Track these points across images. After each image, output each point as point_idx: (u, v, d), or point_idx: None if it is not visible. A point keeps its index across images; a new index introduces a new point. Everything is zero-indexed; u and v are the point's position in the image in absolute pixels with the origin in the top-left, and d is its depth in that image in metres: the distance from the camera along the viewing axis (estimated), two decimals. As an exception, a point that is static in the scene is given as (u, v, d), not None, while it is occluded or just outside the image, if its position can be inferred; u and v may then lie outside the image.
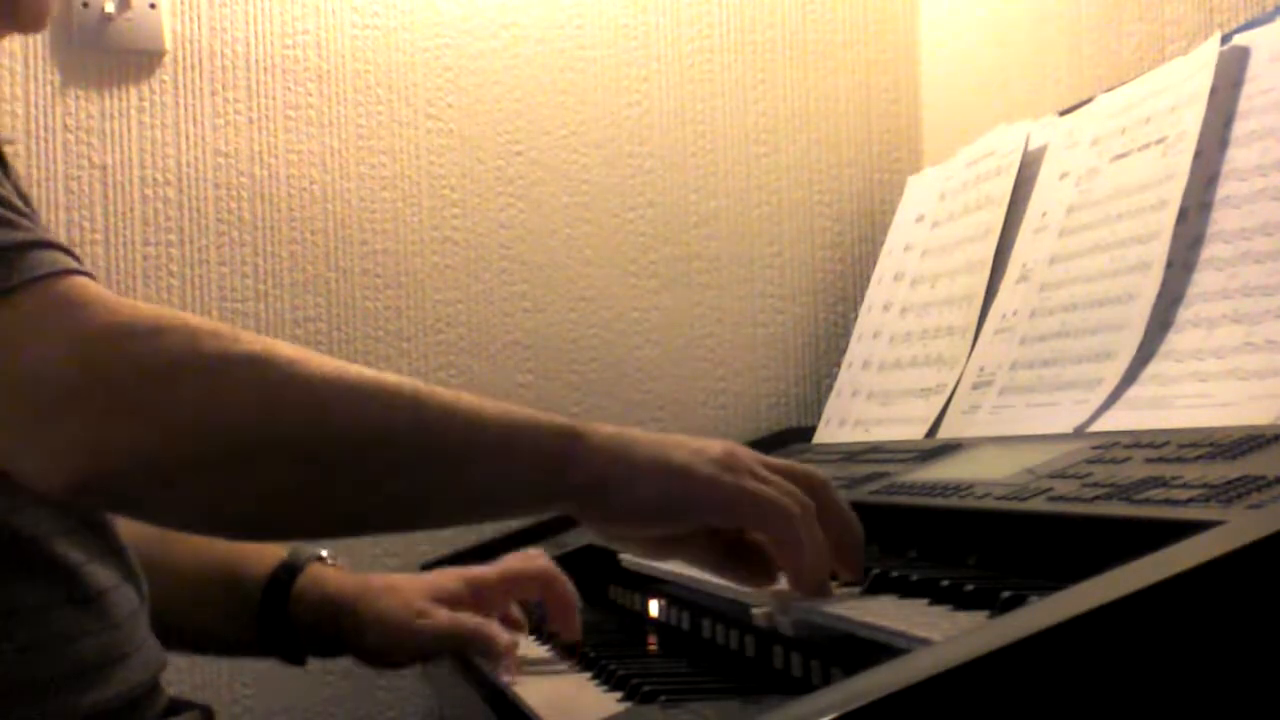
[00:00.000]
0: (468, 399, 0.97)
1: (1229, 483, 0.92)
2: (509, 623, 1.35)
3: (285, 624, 1.32)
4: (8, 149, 1.04)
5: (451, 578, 1.34)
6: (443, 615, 1.29)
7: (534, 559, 1.37)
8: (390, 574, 1.38)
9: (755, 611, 1.06)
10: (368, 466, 0.93)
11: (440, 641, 1.29)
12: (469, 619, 1.28)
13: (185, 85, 2.02)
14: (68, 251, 0.95)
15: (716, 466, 0.97)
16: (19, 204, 0.95)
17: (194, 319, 0.94)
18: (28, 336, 0.89)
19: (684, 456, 0.97)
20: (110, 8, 1.98)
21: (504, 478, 0.97)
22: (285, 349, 0.94)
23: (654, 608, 1.46)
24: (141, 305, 0.94)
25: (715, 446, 0.99)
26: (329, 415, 0.92)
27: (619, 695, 1.14)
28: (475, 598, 1.33)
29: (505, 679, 1.24)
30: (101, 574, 1.07)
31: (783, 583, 1.03)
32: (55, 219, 1.95)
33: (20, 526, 1.01)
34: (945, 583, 0.97)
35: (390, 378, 0.96)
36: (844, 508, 1.03)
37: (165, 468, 0.90)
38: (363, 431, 0.93)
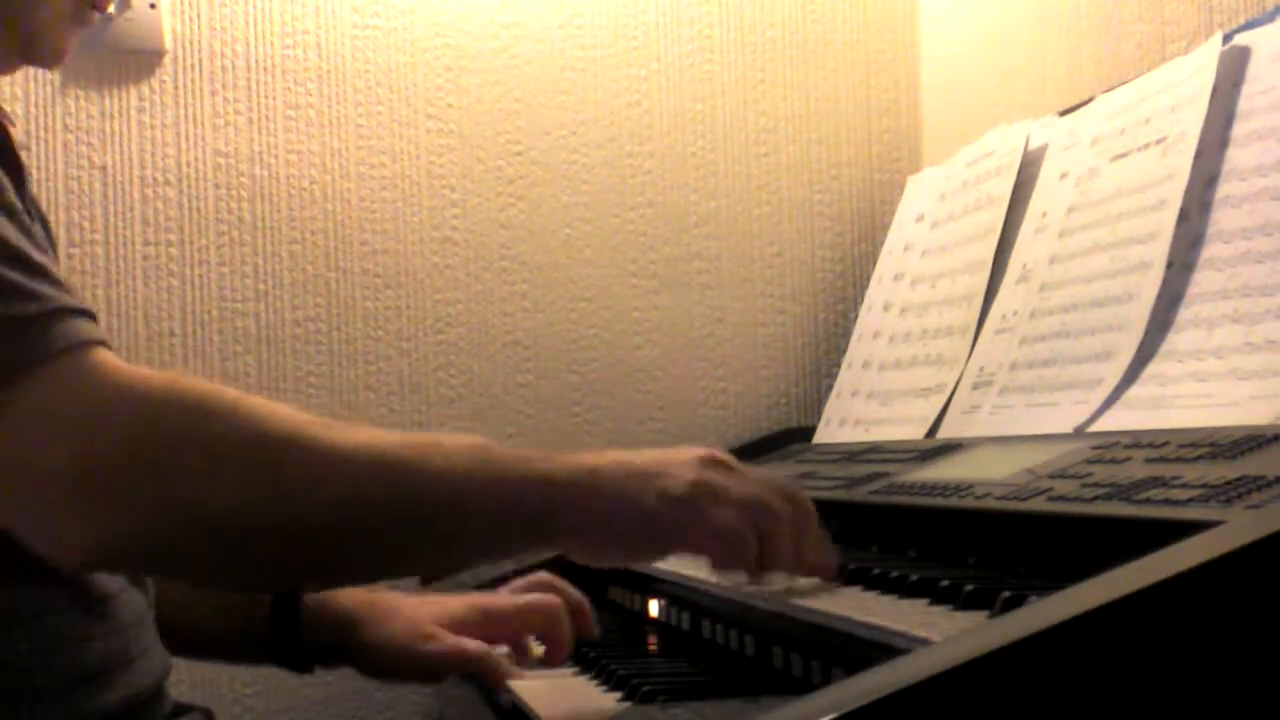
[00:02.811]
0: (457, 456, 0.99)
1: (1229, 483, 0.92)
2: (517, 650, 1.34)
3: (294, 635, 1.32)
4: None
5: (462, 604, 1.34)
6: (449, 641, 1.29)
7: (548, 591, 1.35)
8: (400, 594, 1.38)
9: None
10: (366, 538, 0.98)
11: (444, 666, 1.30)
12: (473, 646, 1.28)
13: (185, 85, 2.02)
14: (83, 312, 0.95)
15: (679, 505, 0.99)
16: (36, 256, 0.95)
17: (200, 393, 0.95)
18: (42, 420, 0.91)
19: (650, 496, 0.99)
20: (110, 8, 1.98)
21: (492, 536, 1.01)
22: (286, 427, 0.95)
23: (654, 608, 1.46)
24: (152, 382, 0.95)
25: (686, 472, 1.01)
26: (326, 496, 0.95)
27: (619, 695, 1.14)
28: (485, 625, 1.33)
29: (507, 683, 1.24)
30: (107, 579, 1.07)
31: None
32: (55, 219, 1.95)
33: None
34: (945, 583, 0.97)
35: (386, 445, 0.98)
36: (807, 534, 1.04)
37: (169, 548, 0.95)
38: (358, 508, 0.96)
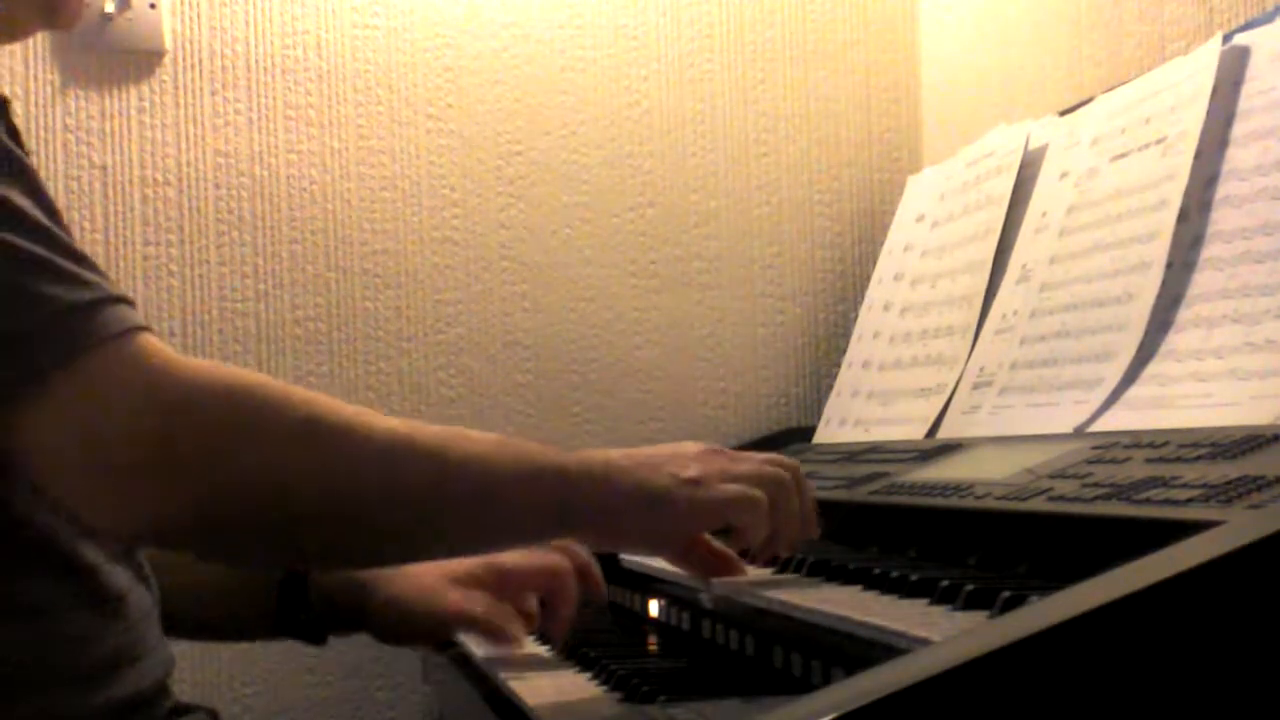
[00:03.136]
0: (482, 445, 1.04)
1: (1229, 483, 0.92)
2: (521, 613, 1.35)
3: (304, 604, 1.34)
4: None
5: (470, 560, 1.35)
6: (454, 596, 1.31)
7: (558, 554, 1.36)
8: None
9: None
10: (399, 521, 1.02)
11: (449, 625, 1.32)
12: (478, 606, 1.30)
13: (185, 85, 2.02)
14: (128, 301, 0.98)
15: (690, 484, 1.07)
16: (77, 246, 0.98)
17: (248, 380, 0.99)
18: (98, 400, 0.94)
19: (663, 482, 1.06)
20: (110, 8, 1.98)
21: (512, 523, 1.06)
22: (328, 412, 0.99)
23: (654, 608, 1.46)
24: (201, 368, 0.99)
25: (694, 458, 1.09)
26: (370, 481, 0.99)
27: (619, 695, 1.14)
28: (495, 582, 1.34)
29: (503, 675, 1.24)
30: (119, 575, 1.09)
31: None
32: (55, 219, 1.95)
33: (41, 527, 1.03)
34: (945, 583, 0.97)
35: (417, 432, 1.02)
36: (807, 496, 1.14)
37: (220, 528, 0.98)
38: (396, 492, 1.01)
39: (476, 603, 1.31)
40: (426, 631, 1.35)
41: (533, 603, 1.36)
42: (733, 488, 1.07)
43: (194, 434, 0.95)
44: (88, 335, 0.94)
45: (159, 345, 0.97)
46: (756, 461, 1.12)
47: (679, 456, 1.08)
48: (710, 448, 1.11)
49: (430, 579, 1.33)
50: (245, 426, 0.96)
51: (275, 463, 0.97)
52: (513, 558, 1.37)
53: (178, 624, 1.20)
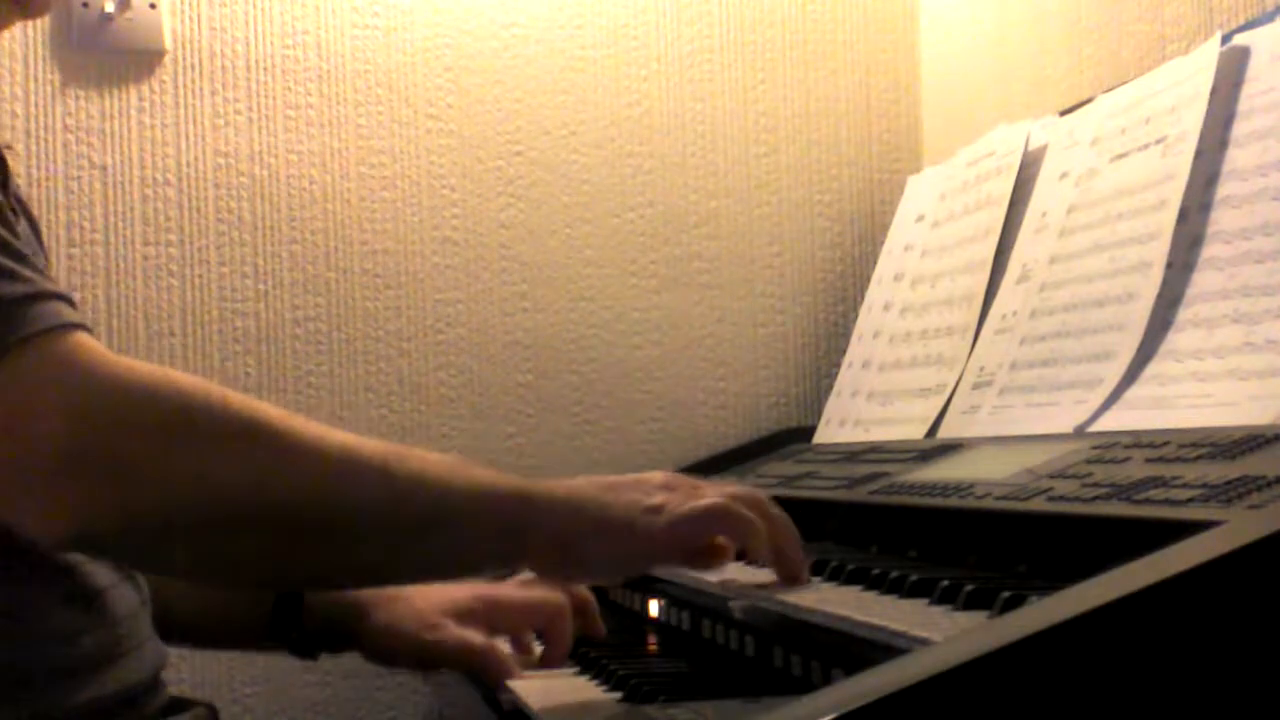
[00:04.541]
0: (434, 465, 1.01)
1: (1229, 483, 0.92)
2: (518, 645, 1.34)
3: (298, 622, 1.33)
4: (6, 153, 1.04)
5: (467, 594, 1.34)
6: (451, 632, 1.29)
7: (558, 591, 1.35)
8: None
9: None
10: (343, 536, 0.99)
11: (446, 658, 1.30)
12: (477, 640, 1.28)
13: (185, 85, 2.02)
14: (65, 299, 0.96)
15: (651, 514, 1.04)
16: (18, 244, 0.96)
17: (185, 381, 0.97)
18: (25, 397, 0.92)
19: (625, 511, 1.03)
20: (110, 8, 1.98)
21: (466, 546, 1.04)
22: (271, 418, 0.97)
23: (654, 608, 1.46)
24: (136, 366, 0.96)
25: (654, 494, 1.05)
26: (309, 490, 0.96)
27: (619, 695, 1.14)
28: (489, 616, 1.33)
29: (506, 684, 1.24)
30: (100, 573, 1.08)
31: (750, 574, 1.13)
32: (55, 219, 1.95)
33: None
34: (945, 583, 0.97)
35: (366, 447, 1.00)
36: (780, 515, 1.09)
37: (152, 532, 0.95)
38: (339, 504, 0.98)
39: (475, 637, 1.29)
40: (418, 660, 1.33)
41: (529, 638, 1.35)
42: (695, 504, 1.04)
43: (122, 434, 0.92)
44: (17, 328, 0.91)
45: (92, 343, 0.95)
46: (723, 488, 1.09)
47: (644, 484, 1.06)
48: (676, 475, 1.09)
49: (427, 610, 1.31)
50: (176, 429, 0.93)
51: (206, 468, 0.93)
52: (508, 591, 1.35)
53: (169, 630, 1.19)
